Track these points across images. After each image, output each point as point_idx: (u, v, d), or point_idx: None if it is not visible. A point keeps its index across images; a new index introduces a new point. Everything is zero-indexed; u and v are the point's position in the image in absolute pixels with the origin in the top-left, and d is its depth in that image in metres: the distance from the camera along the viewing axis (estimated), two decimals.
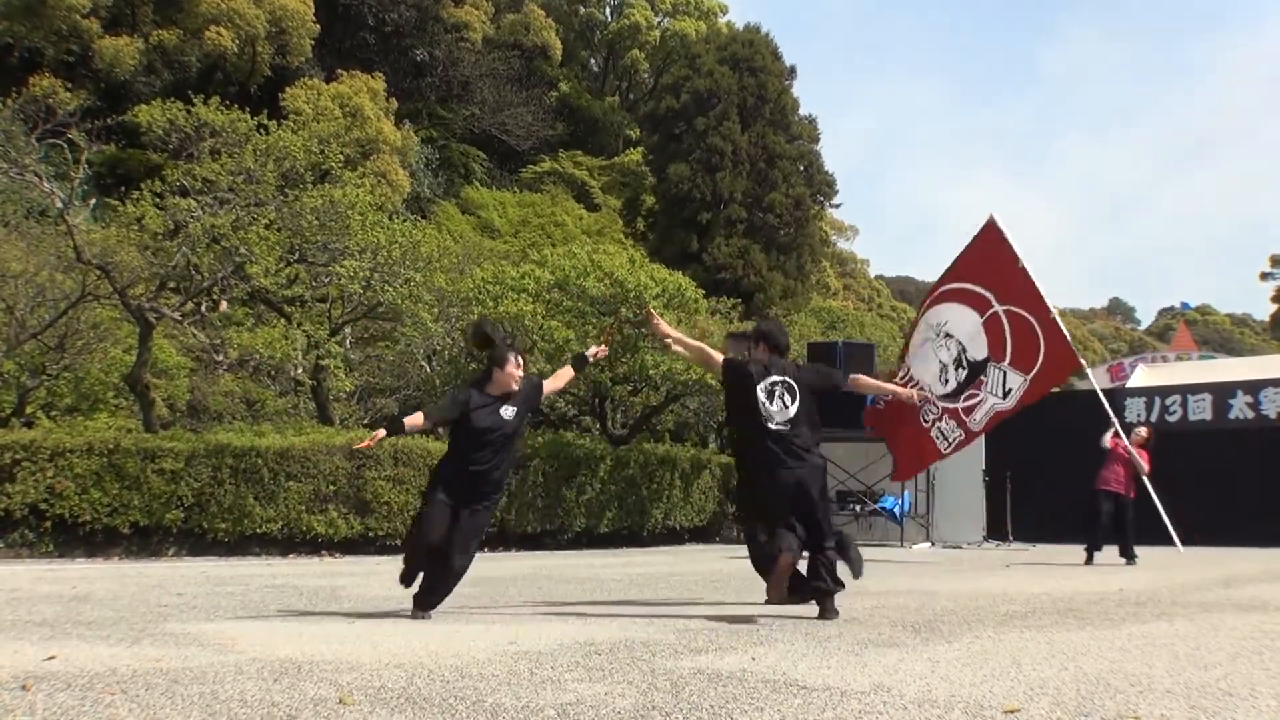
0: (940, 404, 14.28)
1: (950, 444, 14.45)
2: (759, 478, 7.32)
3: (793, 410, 7.25)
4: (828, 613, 7.04)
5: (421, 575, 7.19)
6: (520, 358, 7.32)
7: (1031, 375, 13.68)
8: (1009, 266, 14.08)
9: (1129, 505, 14.67)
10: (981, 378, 14.01)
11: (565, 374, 8.07)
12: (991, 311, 13.98)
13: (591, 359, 7.97)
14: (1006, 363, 13.85)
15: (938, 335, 14.54)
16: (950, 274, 14.78)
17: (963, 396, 14.17)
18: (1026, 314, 13.74)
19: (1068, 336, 13.90)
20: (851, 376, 8.15)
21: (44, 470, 13.47)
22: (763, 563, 7.52)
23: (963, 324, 14.28)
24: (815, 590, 7.17)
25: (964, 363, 14.19)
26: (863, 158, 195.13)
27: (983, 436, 20.13)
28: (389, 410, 21.33)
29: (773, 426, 7.21)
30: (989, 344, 13.93)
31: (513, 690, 4.30)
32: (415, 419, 7.05)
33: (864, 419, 15.96)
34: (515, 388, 7.21)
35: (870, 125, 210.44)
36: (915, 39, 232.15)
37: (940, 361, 14.47)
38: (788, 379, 7.35)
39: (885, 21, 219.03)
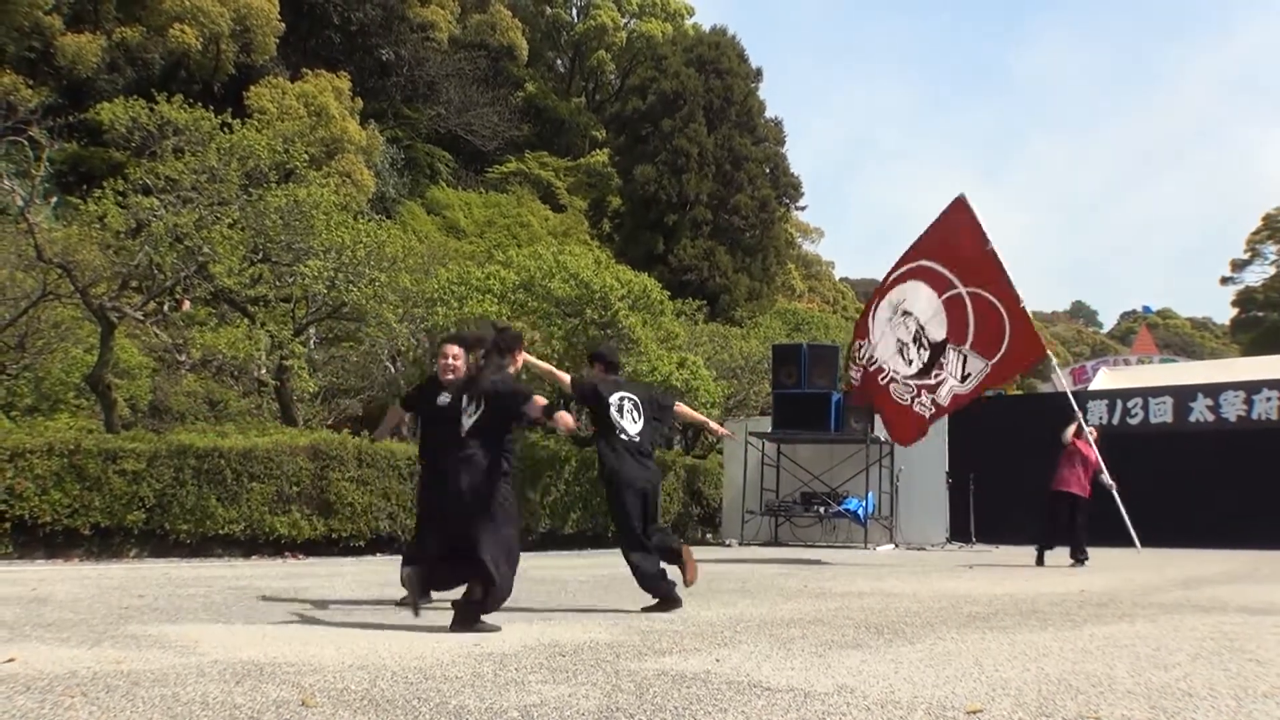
0: (913, 382, 14.21)
1: (931, 417, 14.44)
2: (618, 483, 7.77)
3: (640, 424, 7.87)
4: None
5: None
6: (459, 348, 7.92)
7: (995, 360, 13.63)
8: (977, 248, 13.93)
9: (1084, 506, 14.72)
10: (941, 359, 13.94)
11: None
12: (954, 292, 13.88)
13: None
14: (968, 345, 13.77)
15: (895, 313, 14.46)
16: (913, 251, 14.61)
17: (931, 374, 14.10)
18: (993, 298, 13.65)
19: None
20: (676, 406, 8.67)
21: (3, 471, 13.31)
22: (649, 582, 7.86)
23: (921, 302, 14.17)
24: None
25: (924, 342, 14.12)
26: (829, 160, 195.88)
27: (946, 438, 20.36)
28: (353, 411, 21.24)
29: (625, 438, 7.78)
30: (949, 325, 13.84)
31: (476, 692, 4.29)
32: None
33: (851, 399, 15.79)
34: (449, 377, 7.75)
35: (837, 128, 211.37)
36: (883, 43, 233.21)
37: (899, 340, 14.40)
38: (634, 396, 8.01)
39: (853, 25, 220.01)
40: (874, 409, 15.47)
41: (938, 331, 13.93)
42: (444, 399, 7.67)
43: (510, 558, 6.71)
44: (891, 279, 14.88)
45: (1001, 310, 13.62)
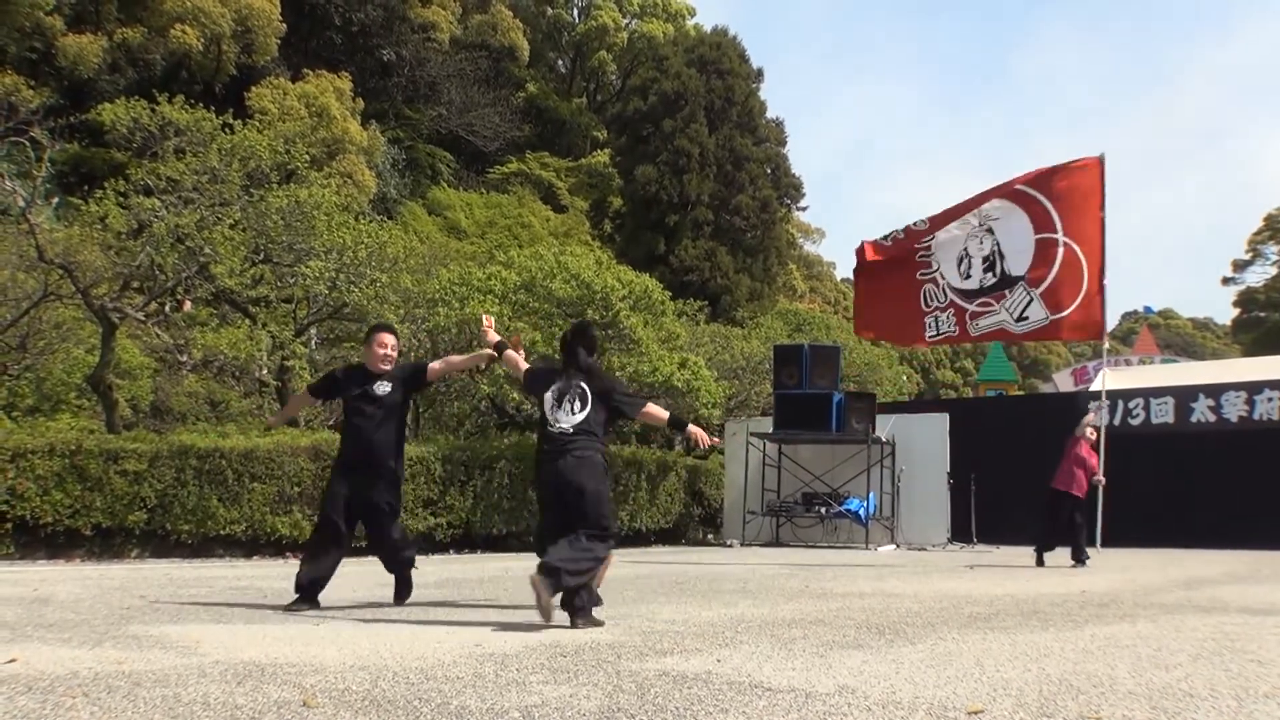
0: (950, 294, 13.91)
1: (939, 334, 14.08)
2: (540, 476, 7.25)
3: (579, 417, 7.09)
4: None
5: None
6: (394, 338, 8.06)
7: (1055, 317, 13.42)
8: (1092, 209, 13.60)
9: (1084, 507, 14.71)
10: (1005, 291, 13.63)
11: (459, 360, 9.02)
12: (1051, 236, 13.48)
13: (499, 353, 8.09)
14: (1039, 290, 13.53)
15: (980, 225, 14.04)
16: (1030, 178, 14.12)
17: (977, 300, 13.79)
18: (1083, 259, 13.41)
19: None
20: (642, 410, 7.63)
21: (5, 471, 13.31)
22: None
23: (1012, 228, 13.68)
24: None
25: (997, 268, 13.72)
26: (832, 161, 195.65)
27: (947, 439, 20.35)
28: None
29: (554, 430, 7.08)
30: (1032, 264, 13.49)
31: (478, 692, 4.29)
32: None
33: (860, 253, 15.05)
34: (384, 367, 7.84)
35: (840, 128, 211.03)
36: (885, 43, 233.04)
37: (965, 252, 13.94)
38: (585, 386, 7.21)
39: (855, 26, 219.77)
40: (878, 283, 14.66)
41: (1017, 265, 13.55)
42: (383, 387, 7.72)
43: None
44: (991, 192, 14.37)
45: (1085, 274, 13.39)
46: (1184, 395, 21.08)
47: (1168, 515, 19.77)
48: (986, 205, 14.18)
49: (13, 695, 4.14)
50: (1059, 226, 13.51)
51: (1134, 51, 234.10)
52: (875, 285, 15.03)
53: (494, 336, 8.11)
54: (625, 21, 61.42)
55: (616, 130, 49.64)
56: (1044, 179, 14.10)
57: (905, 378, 41.83)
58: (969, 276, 13.85)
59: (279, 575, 11.38)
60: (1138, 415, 21.40)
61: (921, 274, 14.32)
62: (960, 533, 20.84)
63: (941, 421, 21.06)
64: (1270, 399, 20.08)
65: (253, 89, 36.96)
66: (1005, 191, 14.15)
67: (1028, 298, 13.51)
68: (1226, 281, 66.57)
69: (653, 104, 44.82)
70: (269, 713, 3.87)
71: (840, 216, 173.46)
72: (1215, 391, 20.84)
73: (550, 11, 62.62)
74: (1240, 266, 65.32)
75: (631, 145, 45.96)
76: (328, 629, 6.53)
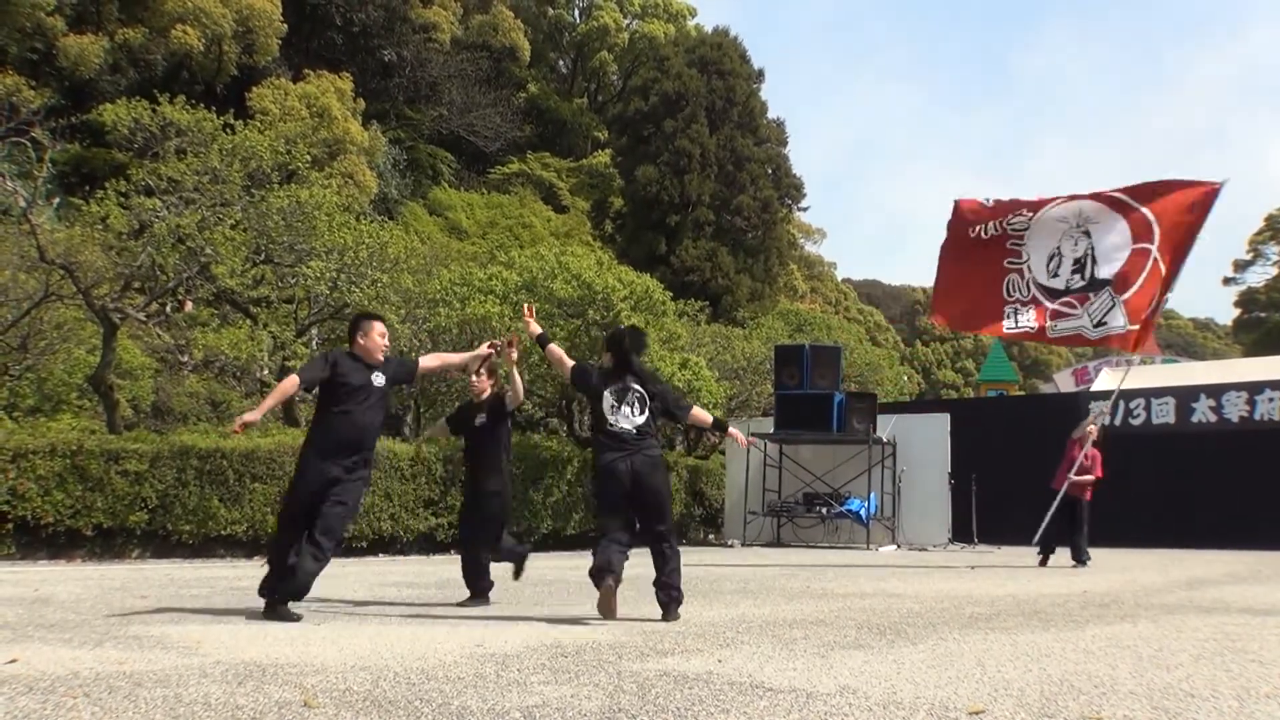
0: (1035, 290, 13.72)
1: (1017, 328, 13.83)
2: (600, 474, 7.51)
3: (640, 419, 7.45)
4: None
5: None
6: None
7: (1130, 329, 13.30)
8: (1190, 232, 13.39)
9: (1085, 508, 14.68)
10: (1090, 295, 13.43)
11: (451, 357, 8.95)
12: (1146, 247, 13.27)
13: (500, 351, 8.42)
14: (1124, 298, 13.37)
15: (1076, 225, 13.74)
16: (1138, 190, 13.84)
17: (1060, 300, 13.59)
18: (1164, 277, 13.26)
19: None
20: (690, 413, 8.15)
21: (6, 472, 13.32)
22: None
23: (1110, 234, 13.46)
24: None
25: (1086, 271, 13.47)
26: (833, 161, 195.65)
27: (948, 439, 20.34)
28: None
29: (618, 430, 7.39)
30: (1122, 271, 13.30)
31: (479, 693, 4.29)
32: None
33: (957, 212, 14.61)
34: (381, 358, 7.77)
35: (842, 129, 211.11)
36: (889, 44, 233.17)
37: (1058, 251, 13.63)
38: (641, 390, 7.58)
39: (857, 26, 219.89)
40: (965, 265, 14.31)
41: (1106, 269, 13.34)
42: (379, 378, 7.61)
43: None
44: (1096, 194, 14.05)
45: (1158, 292, 13.29)
46: (1185, 395, 21.07)
47: (1169, 515, 19.76)
48: (1087, 207, 13.92)
49: (14, 695, 4.14)
50: (1156, 239, 13.27)
51: (1138, 51, 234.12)
52: (962, 268, 14.59)
53: (535, 329, 8.19)
54: (626, 22, 61.43)
55: (617, 131, 49.64)
56: (1155, 191, 13.82)
57: (906, 378, 41.85)
58: (1056, 275, 13.59)
59: None
60: (1139, 415, 21.40)
61: (1010, 262, 13.98)
62: (961, 533, 20.82)
63: (942, 422, 21.06)
64: (1271, 399, 20.07)
65: (254, 89, 36.96)
66: (1108, 198, 13.86)
67: (1111, 303, 13.29)
68: (1227, 282, 66.43)
69: (654, 104, 44.83)
70: (270, 713, 3.87)
71: (841, 217, 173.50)
72: (1216, 392, 20.83)
73: (551, 12, 62.63)
74: (1241, 267, 65.20)
75: (632, 146, 45.97)
76: (328, 629, 6.53)
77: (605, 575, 6.98)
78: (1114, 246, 13.35)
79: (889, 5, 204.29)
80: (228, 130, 17.71)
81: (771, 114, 49.12)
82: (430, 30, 49.73)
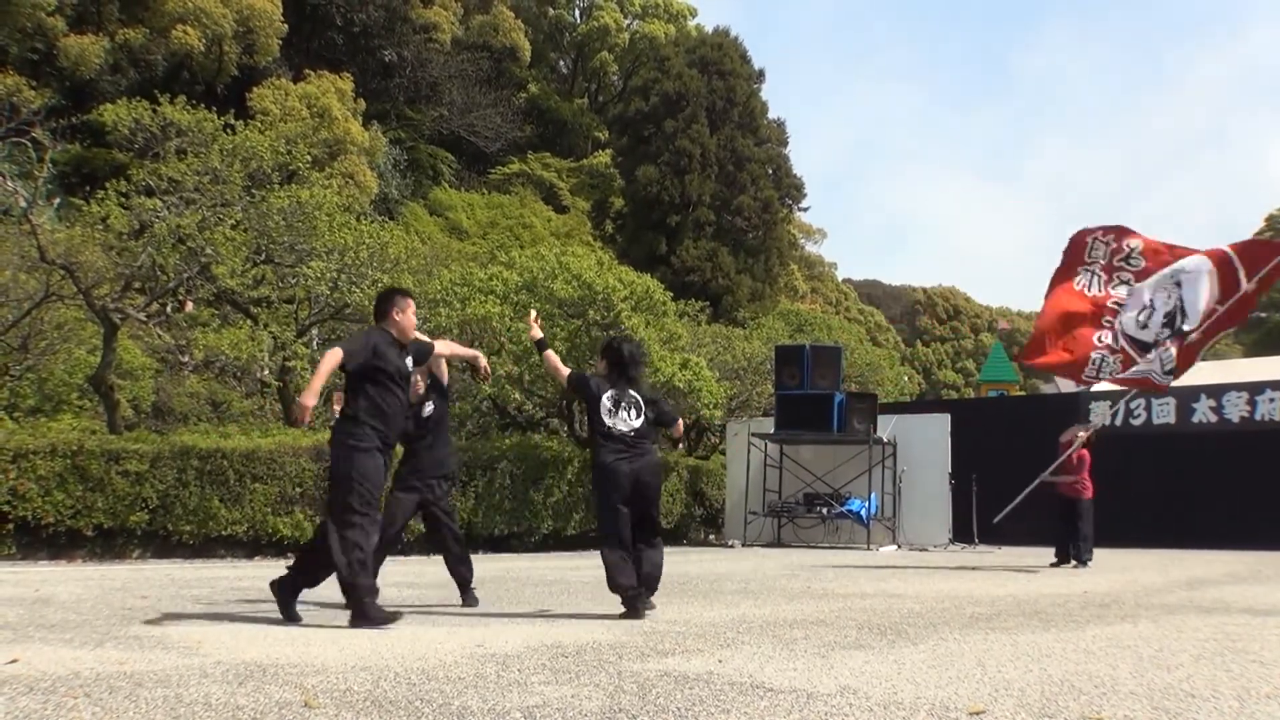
0: (1123, 340, 13.51)
1: (1097, 375, 13.59)
2: (602, 475, 7.66)
3: (637, 422, 7.70)
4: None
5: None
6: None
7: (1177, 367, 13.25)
8: (1263, 286, 13.15)
9: (1087, 508, 14.67)
10: (1169, 342, 13.29)
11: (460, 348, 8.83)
12: (1217, 302, 13.19)
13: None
14: (1185, 344, 13.24)
15: (1171, 279, 13.41)
16: (1240, 249, 13.43)
17: (1137, 348, 13.36)
18: (1219, 328, 13.20)
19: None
20: (676, 422, 8.45)
21: (7, 472, 13.32)
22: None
23: (1200, 290, 13.12)
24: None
25: (1175, 324, 13.32)
26: (834, 162, 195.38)
27: (948, 440, 20.35)
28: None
29: (618, 432, 7.64)
30: (1201, 325, 13.18)
31: (479, 693, 4.29)
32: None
33: (1056, 275, 14.12)
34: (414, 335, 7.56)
35: (842, 129, 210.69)
36: (890, 44, 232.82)
37: (1151, 304, 13.31)
38: (633, 394, 7.82)
39: (857, 27, 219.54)
40: (1069, 310, 14.01)
41: (1190, 322, 13.18)
42: (408, 360, 7.30)
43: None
44: (1199, 251, 13.66)
45: (1206, 336, 13.18)
46: (1185, 396, 21.05)
47: (1169, 515, 19.77)
48: (1186, 262, 13.47)
49: (14, 696, 4.14)
50: (1230, 293, 13.03)
51: (1139, 51, 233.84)
52: (1053, 318, 14.33)
53: (537, 333, 8.24)
54: (627, 22, 61.39)
55: (618, 131, 49.64)
56: (1247, 251, 13.40)
57: (907, 378, 41.86)
58: (1145, 327, 13.32)
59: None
60: (1139, 416, 21.40)
61: (1107, 320, 13.82)
62: (962, 533, 20.82)
63: (943, 422, 21.07)
64: (1272, 399, 20.07)
65: (254, 90, 36.94)
66: (1214, 254, 13.47)
67: (1175, 349, 13.17)
68: None
69: (654, 104, 44.83)
70: (271, 713, 3.87)
71: (841, 217, 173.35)
72: (1217, 392, 20.83)
73: (552, 12, 62.59)
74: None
75: (633, 146, 45.97)
76: (329, 629, 6.53)
77: (630, 589, 7.36)
78: (1201, 301, 13.05)
79: (889, 5, 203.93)
80: (228, 130, 17.70)
81: (772, 114, 49.17)
82: (431, 30, 49.71)
